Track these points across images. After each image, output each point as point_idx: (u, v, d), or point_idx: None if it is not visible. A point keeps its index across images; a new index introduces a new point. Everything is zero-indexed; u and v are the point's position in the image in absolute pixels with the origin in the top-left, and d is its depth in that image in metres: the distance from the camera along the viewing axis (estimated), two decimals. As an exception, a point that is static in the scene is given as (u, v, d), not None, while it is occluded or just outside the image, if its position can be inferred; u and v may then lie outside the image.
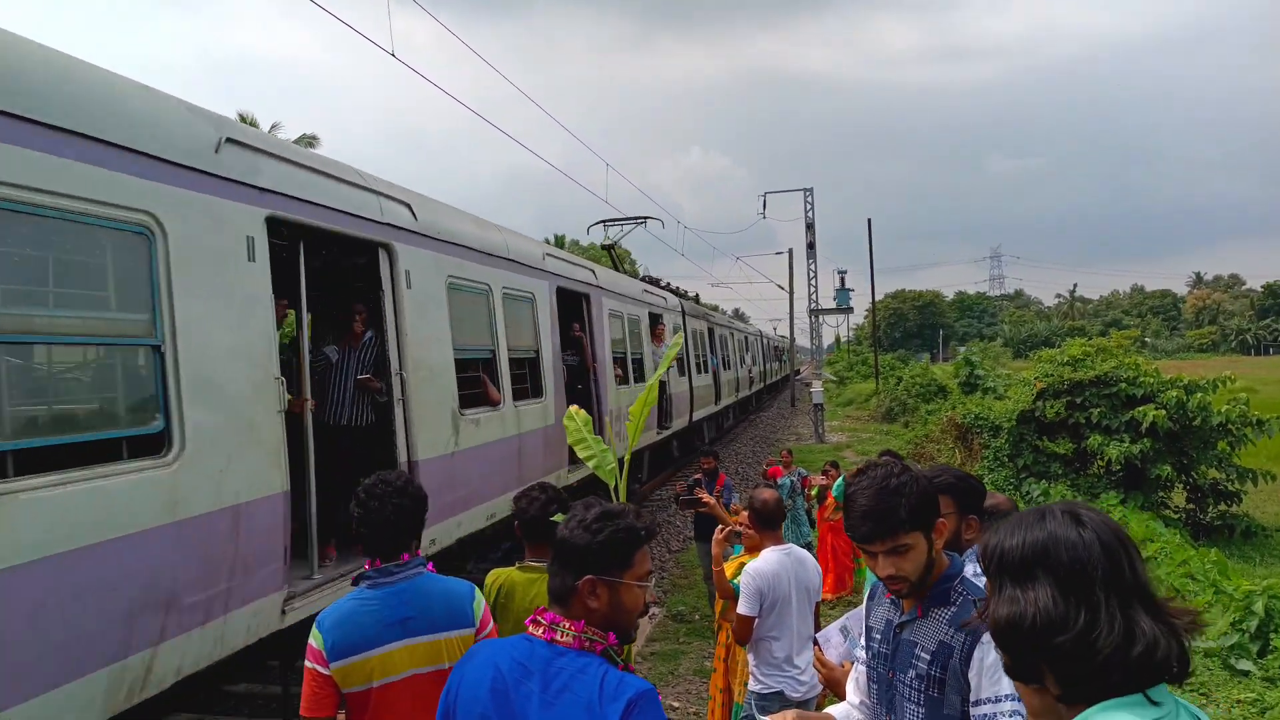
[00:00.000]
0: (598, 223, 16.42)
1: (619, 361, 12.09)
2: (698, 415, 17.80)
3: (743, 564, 4.87)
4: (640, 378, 12.98)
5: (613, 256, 16.72)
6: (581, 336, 10.49)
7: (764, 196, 28.27)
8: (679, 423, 16.23)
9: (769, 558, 4.07)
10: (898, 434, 25.09)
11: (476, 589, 2.80)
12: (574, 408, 4.44)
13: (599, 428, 11.88)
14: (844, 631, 2.84)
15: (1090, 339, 18.09)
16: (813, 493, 9.79)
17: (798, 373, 48.91)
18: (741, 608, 3.96)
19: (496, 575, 3.28)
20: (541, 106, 14.39)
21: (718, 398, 20.94)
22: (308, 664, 2.51)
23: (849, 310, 35.79)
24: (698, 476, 8.89)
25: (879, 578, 2.17)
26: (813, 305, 28.97)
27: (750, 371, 28.67)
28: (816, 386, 24.29)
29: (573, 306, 10.41)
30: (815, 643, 2.83)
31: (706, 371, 19.52)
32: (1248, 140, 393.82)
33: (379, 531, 2.61)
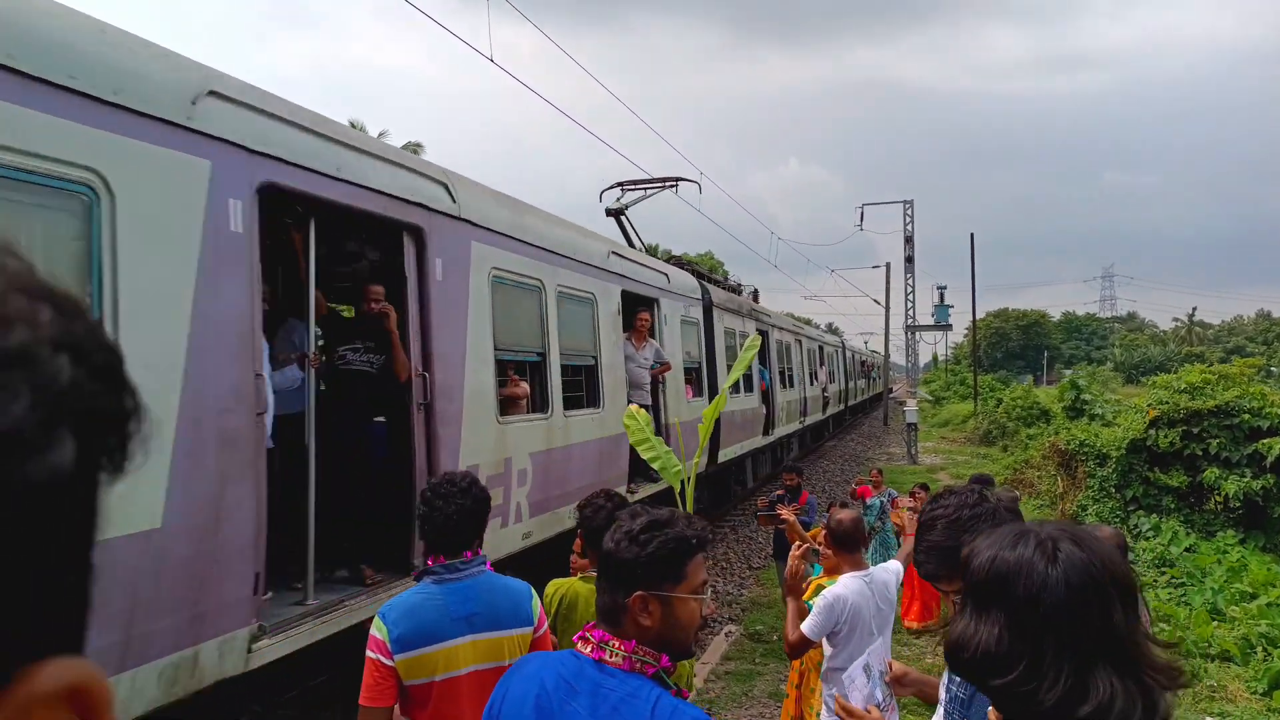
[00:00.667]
0: (613, 186, 13.74)
1: (691, 372, 11.30)
2: (726, 454, 12.59)
3: (820, 586, 4.70)
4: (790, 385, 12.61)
5: (623, 225, 13.16)
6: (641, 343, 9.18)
7: (861, 209, 27.71)
8: (784, 429, 15.36)
9: (847, 583, 3.89)
10: (995, 458, 24.08)
11: (533, 589, 2.84)
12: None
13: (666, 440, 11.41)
14: (866, 670, 2.66)
15: (1210, 365, 16.88)
16: (901, 514, 9.44)
17: (890, 390, 46.39)
18: (805, 626, 3.79)
19: (557, 586, 3.23)
20: (636, 113, 14.48)
21: (769, 426, 16.11)
22: (370, 654, 2.53)
23: (948, 327, 34.51)
24: (780, 492, 8.70)
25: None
26: (910, 321, 28.09)
27: (825, 391, 24.82)
28: (911, 405, 23.55)
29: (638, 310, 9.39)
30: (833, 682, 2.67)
31: (752, 391, 14.71)
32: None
33: (443, 529, 2.65)
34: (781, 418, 17.19)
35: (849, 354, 34.76)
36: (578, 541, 3.55)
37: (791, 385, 19.10)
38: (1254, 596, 9.69)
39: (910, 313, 28.04)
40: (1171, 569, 10.60)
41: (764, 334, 16.94)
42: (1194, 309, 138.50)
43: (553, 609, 3.14)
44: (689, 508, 4.02)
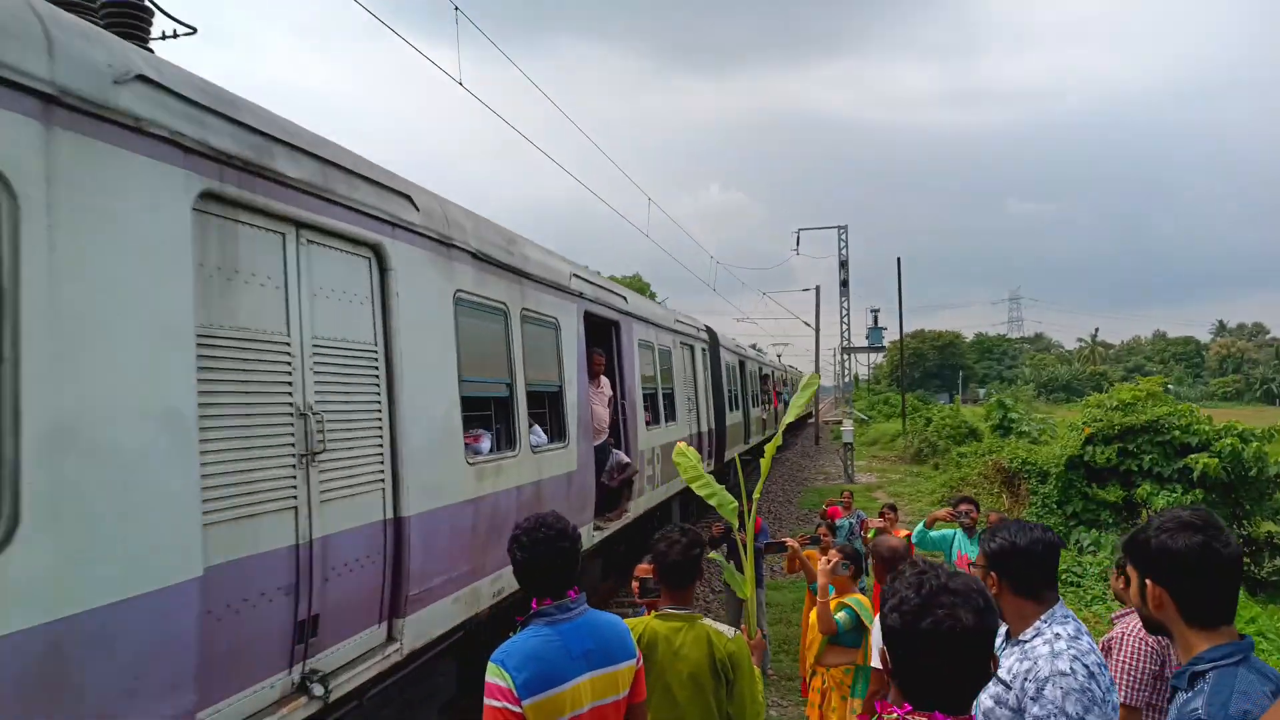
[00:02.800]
0: None
1: (648, 399, 10.73)
2: (729, 455, 16.52)
3: (842, 604, 4.75)
4: (671, 417, 11.53)
5: None
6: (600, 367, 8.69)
7: (798, 233, 28.40)
8: (654, 498, 12.86)
9: None
10: (928, 475, 24.78)
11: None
12: (682, 444, 4.34)
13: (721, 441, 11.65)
14: None
15: (1113, 384, 17.77)
16: (869, 535, 9.63)
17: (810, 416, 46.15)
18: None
19: (633, 625, 3.15)
20: (590, 137, 14.56)
21: (747, 436, 20.03)
22: (493, 703, 2.49)
23: (882, 349, 35.54)
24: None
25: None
26: (845, 343, 28.85)
27: (778, 409, 27.22)
28: (847, 425, 24.09)
29: (600, 335, 9.00)
30: None
31: (738, 409, 18.09)
32: (1269, 191, 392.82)
33: (548, 574, 2.67)
34: (757, 428, 17.46)
35: (787, 376, 35.05)
36: (642, 573, 3.51)
37: (758, 404, 19.14)
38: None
39: (846, 335, 28.78)
40: (1117, 579, 11.08)
41: (743, 363, 18.52)
42: (1096, 329, 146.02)
43: None
44: (749, 545, 4.05)
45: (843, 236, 26.92)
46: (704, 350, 14.92)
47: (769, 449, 4.24)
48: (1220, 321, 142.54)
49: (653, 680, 2.99)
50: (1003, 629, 2.61)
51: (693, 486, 4.15)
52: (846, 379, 32.91)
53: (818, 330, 38.35)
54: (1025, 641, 2.48)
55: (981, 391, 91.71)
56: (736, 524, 4.07)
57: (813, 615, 4.97)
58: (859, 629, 4.68)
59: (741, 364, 20.56)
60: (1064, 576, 11.03)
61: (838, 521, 9.43)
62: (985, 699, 2.47)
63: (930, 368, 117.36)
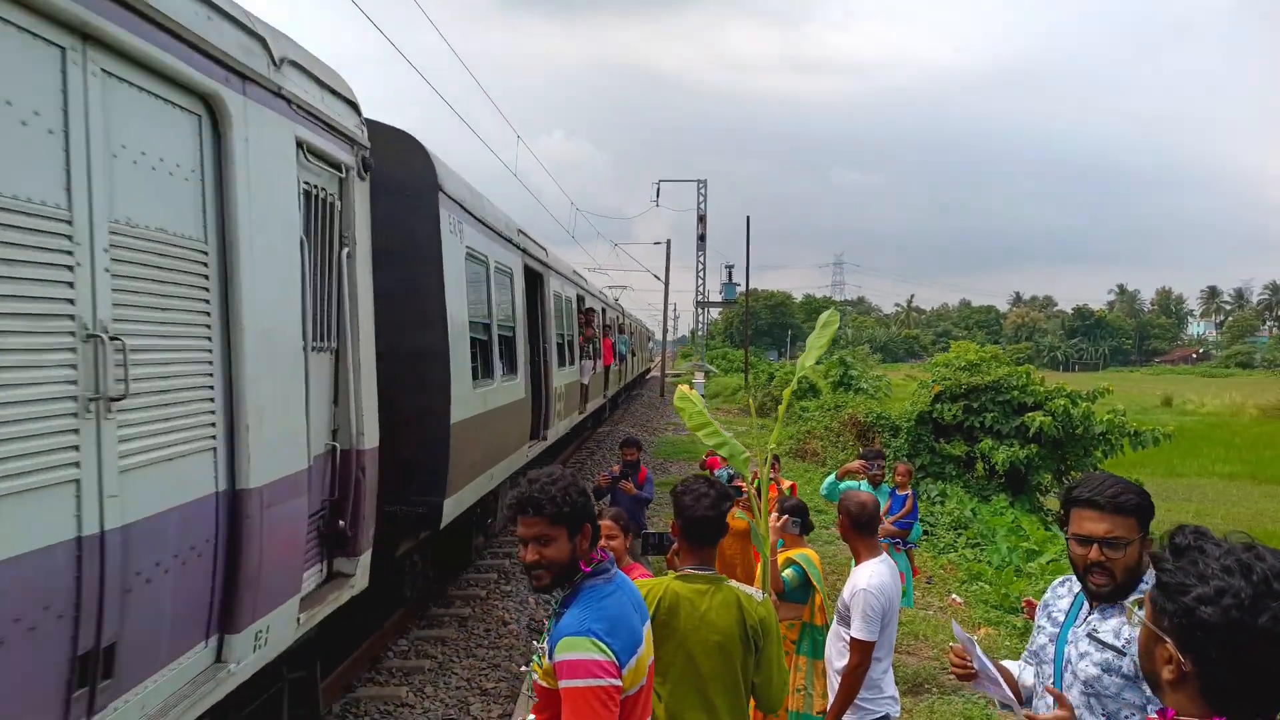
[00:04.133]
0: None
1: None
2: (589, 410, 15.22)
3: (790, 559, 4.30)
4: (573, 360, 12.27)
5: None
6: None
7: (658, 184, 27.81)
8: (563, 426, 12.06)
9: (880, 571, 3.48)
10: (772, 428, 25.31)
11: None
12: (685, 388, 3.72)
13: (548, 410, 10.76)
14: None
15: (924, 347, 18.72)
16: (754, 486, 9.29)
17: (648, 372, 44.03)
18: (862, 634, 3.36)
19: (652, 587, 2.75)
20: (468, 68, 13.11)
21: (606, 388, 18.87)
22: (594, 682, 2.08)
23: (734, 302, 35.93)
24: (617, 469, 8.14)
25: None
26: (701, 297, 28.83)
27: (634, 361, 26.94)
28: (699, 379, 24.12)
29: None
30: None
31: (513, 374, 14.07)
32: (1059, 174, 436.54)
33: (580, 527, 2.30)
34: (559, 410, 11.83)
35: (630, 320, 33.33)
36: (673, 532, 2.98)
37: (571, 361, 13.62)
38: (1037, 553, 10.75)
39: (701, 289, 28.75)
40: (968, 530, 11.47)
41: (604, 310, 16.13)
42: (912, 296, 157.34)
43: (651, 615, 2.57)
44: (764, 503, 3.56)
45: (702, 191, 26.72)
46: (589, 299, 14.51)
47: (785, 394, 3.71)
48: (1017, 293, 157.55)
49: (672, 649, 2.66)
50: (1063, 588, 2.44)
51: (700, 434, 3.54)
52: (704, 330, 33.03)
53: (667, 284, 38.36)
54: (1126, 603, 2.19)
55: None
56: (748, 474, 3.63)
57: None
58: (806, 585, 4.36)
59: (580, 298, 15.34)
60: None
61: (716, 472, 9.03)
62: (1088, 667, 2.22)
63: (762, 326, 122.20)
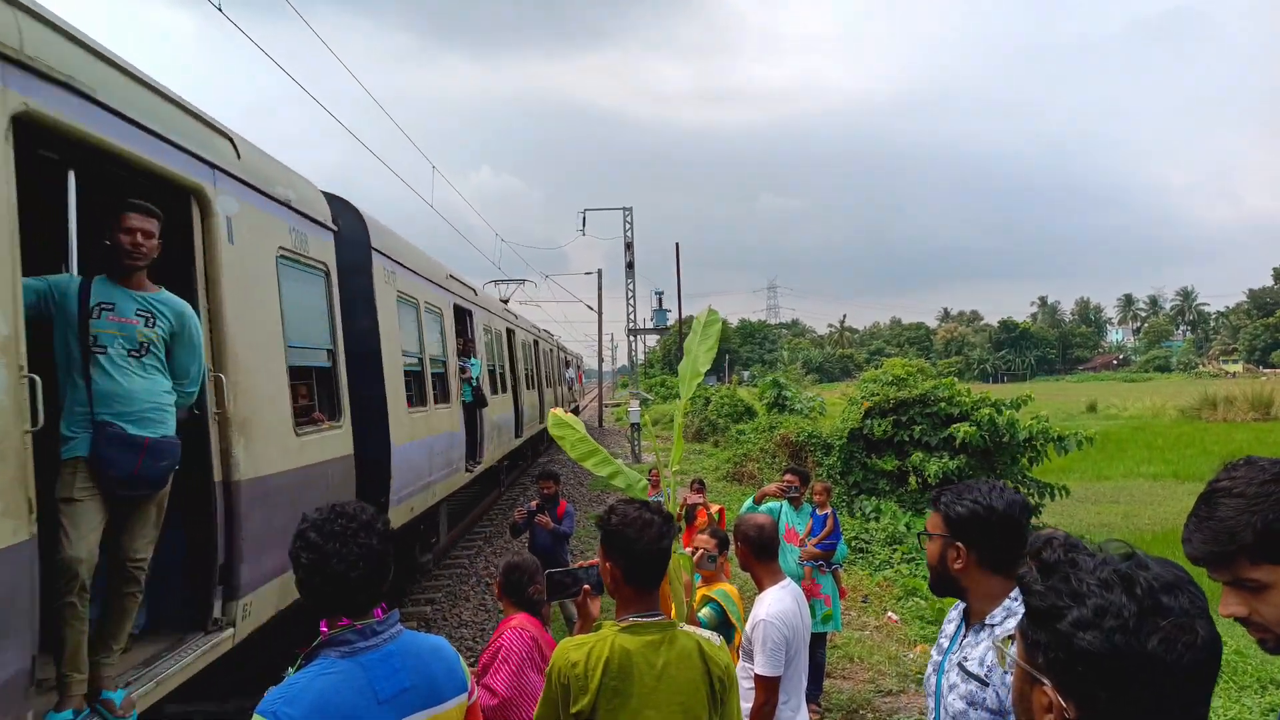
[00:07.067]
0: None
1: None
2: (521, 440, 15.64)
3: (707, 598, 4.03)
4: (506, 388, 13.44)
5: None
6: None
7: (584, 213, 27.64)
8: (497, 453, 12.94)
9: (782, 598, 3.23)
10: (710, 453, 25.25)
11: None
12: (558, 411, 3.41)
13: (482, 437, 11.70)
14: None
15: (860, 365, 19.02)
16: (681, 511, 9.04)
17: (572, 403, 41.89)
18: (765, 669, 3.08)
19: (593, 645, 2.22)
20: (381, 106, 12.76)
21: (542, 417, 19.07)
22: None
23: (666, 330, 35.87)
24: (535, 503, 7.82)
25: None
26: (631, 325, 28.67)
27: (569, 390, 26.95)
28: (634, 406, 23.89)
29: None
30: None
31: (534, 388, 17.14)
32: (977, 195, 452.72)
33: (344, 583, 1.93)
34: (491, 438, 12.47)
35: (558, 353, 32.45)
36: (604, 569, 2.41)
37: (552, 384, 16.72)
38: (971, 566, 10.70)
39: (631, 316, 28.61)
40: (902, 545, 11.40)
41: (536, 342, 16.87)
42: (844, 316, 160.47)
43: (594, 681, 2.15)
44: (673, 508, 3.23)
45: (628, 218, 26.65)
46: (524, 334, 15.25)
47: (678, 410, 3.46)
48: (945, 309, 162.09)
49: (626, 718, 2.18)
50: (955, 610, 2.22)
51: (586, 464, 3.21)
52: (640, 357, 32.84)
53: (600, 313, 38.20)
54: (995, 625, 2.05)
55: (746, 374, 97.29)
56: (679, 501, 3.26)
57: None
58: (726, 624, 4.00)
59: (536, 344, 18.79)
60: (853, 544, 11.15)
61: (649, 498, 8.78)
62: (955, 700, 2.04)
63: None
